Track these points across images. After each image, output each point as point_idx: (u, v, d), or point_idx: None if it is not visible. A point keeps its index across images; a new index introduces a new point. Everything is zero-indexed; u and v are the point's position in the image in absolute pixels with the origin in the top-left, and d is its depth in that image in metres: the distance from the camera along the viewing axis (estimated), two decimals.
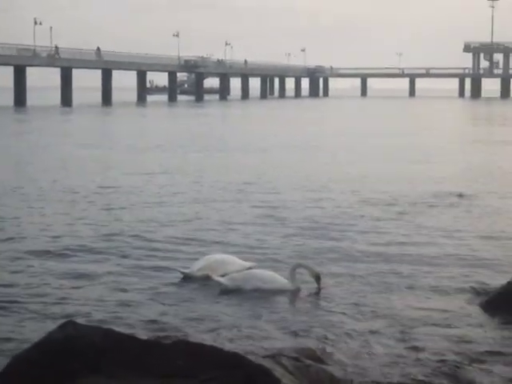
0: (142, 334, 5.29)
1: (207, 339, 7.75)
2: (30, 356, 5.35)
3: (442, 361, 7.87)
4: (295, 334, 8.84)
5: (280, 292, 10.72)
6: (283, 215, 16.41)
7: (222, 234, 14.56)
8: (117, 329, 5.37)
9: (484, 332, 8.90)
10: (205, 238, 14.06)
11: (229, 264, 11.59)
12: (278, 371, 5.01)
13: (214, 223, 15.56)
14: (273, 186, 21.07)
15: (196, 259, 11.92)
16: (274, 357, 6.32)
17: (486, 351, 8.18)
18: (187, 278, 11.33)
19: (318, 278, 10.79)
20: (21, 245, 13.51)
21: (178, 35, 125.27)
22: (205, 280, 11.20)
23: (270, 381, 4.92)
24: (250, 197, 19.08)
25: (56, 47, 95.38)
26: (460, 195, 18.91)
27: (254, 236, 14.29)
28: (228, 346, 6.38)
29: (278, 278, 10.94)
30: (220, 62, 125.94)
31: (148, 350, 5.17)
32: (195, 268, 11.49)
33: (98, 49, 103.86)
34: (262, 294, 10.60)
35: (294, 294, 10.73)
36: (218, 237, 14.22)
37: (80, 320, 6.56)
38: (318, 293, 10.67)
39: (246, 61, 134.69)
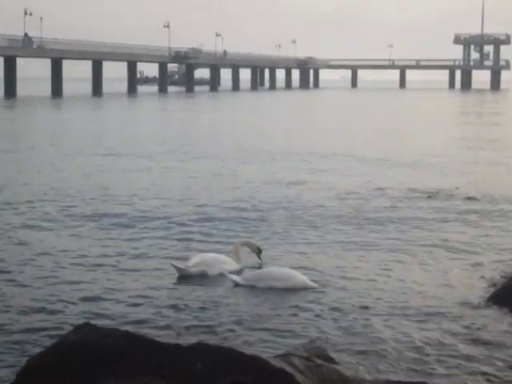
0: (159, 336, 5.26)
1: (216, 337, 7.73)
2: (46, 359, 5.29)
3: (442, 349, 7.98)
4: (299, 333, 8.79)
5: (294, 290, 10.55)
6: None
7: None
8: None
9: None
10: None
11: (223, 262, 11.50)
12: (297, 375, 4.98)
13: None
14: None
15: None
16: (285, 356, 6.28)
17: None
18: (182, 274, 11.26)
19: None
20: None
21: (168, 26, 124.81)
22: (201, 276, 11.19)
23: None
24: None
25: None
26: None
27: None
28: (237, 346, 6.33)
29: (292, 276, 10.71)
30: (198, 52, 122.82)
31: (166, 352, 5.12)
32: (191, 263, 11.40)
33: (26, 35, 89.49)
34: (276, 292, 10.44)
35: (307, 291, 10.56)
36: None
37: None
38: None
39: (225, 51, 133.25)
